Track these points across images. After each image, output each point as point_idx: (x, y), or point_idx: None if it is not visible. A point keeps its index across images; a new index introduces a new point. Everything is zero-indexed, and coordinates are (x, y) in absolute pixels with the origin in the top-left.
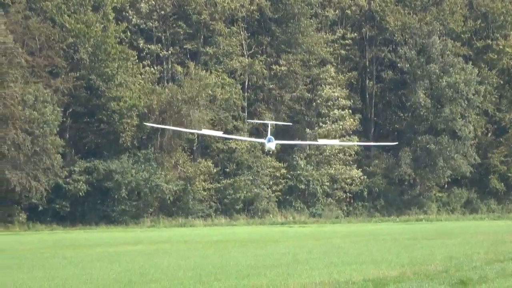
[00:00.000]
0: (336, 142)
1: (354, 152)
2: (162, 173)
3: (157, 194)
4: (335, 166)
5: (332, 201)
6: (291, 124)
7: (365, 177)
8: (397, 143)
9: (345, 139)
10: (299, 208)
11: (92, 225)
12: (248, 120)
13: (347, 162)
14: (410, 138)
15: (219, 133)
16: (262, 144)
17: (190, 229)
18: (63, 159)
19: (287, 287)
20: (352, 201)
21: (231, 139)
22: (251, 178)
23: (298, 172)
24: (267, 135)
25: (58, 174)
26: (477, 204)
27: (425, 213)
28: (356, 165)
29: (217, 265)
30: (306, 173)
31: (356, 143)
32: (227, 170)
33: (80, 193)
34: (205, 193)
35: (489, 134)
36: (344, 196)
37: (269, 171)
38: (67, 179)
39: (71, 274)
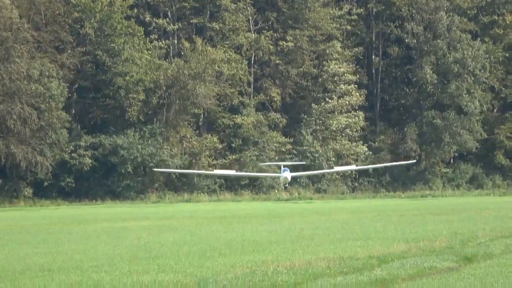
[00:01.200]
0: (353, 167)
1: (360, 128)
2: (168, 148)
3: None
4: (341, 141)
5: (337, 177)
6: (304, 163)
7: (371, 153)
8: (415, 161)
9: (350, 114)
10: (304, 184)
11: (97, 200)
12: (260, 164)
13: (353, 138)
14: (416, 113)
15: (232, 172)
16: (278, 178)
17: (195, 204)
18: (69, 134)
19: (292, 263)
20: (357, 177)
21: (246, 176)
22: (257, 153)
23: (304, 147)
24: (281, 168)
25: (64, 149)
26: (482, 180)
27: (431, 189)
28: (362, 141)
29: (222, 241)
30: (312, 149)
31: (373, 166)
32: (233, 145)
33: (85, 168)
34: (210, 168)
35: (495, 110)
36: (350, 172)
37: (274, 147)
38: (73, 154)
39: (76, 249)
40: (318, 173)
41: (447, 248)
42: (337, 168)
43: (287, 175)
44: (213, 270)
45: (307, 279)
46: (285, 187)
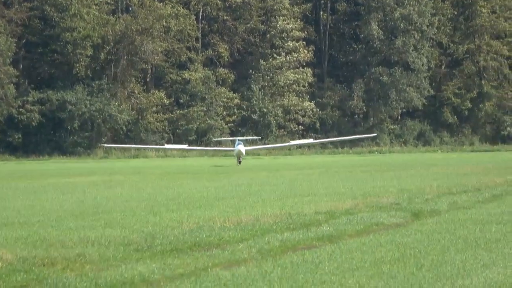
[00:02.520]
0: (310, 141)
1: (308, 84)
2: (116, 103)
3: (110, 124)
4: (288, 97)
5: (285, 132)
6: (259, 138)
7: (318, 109)
8: (375, 134)
9: (298, 70)
10: (251, 141)
11: (45, 156)
12: (214, 139)
13: (300, 94)
14: (364, 70)
15: (184, 146)
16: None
17: (142, 160)
18: (17, 90)
19: (239, 219)
20: (305, 133)
21: (196, 150)
22: (205, 109)
23: (253, 102)
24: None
25: (12, 105)
26: (430, 137)
27: (378, 145)
28: (309, 97)
29: (169, 197)
30: (261, 105)
31: (331, 139)
32: (181, 101)
33: (33, 124)
34: (158, 124)
35: (443, 67)
36: (297, 128)
37: (222, 102)
38: (20, 110)
39: (24, 205)
40: (273, 147)
41: (394, 204)
42: (293, 142)
43: (241, 148)
44: (160, 226)
45: (254, 235)
46: (240, 162)
